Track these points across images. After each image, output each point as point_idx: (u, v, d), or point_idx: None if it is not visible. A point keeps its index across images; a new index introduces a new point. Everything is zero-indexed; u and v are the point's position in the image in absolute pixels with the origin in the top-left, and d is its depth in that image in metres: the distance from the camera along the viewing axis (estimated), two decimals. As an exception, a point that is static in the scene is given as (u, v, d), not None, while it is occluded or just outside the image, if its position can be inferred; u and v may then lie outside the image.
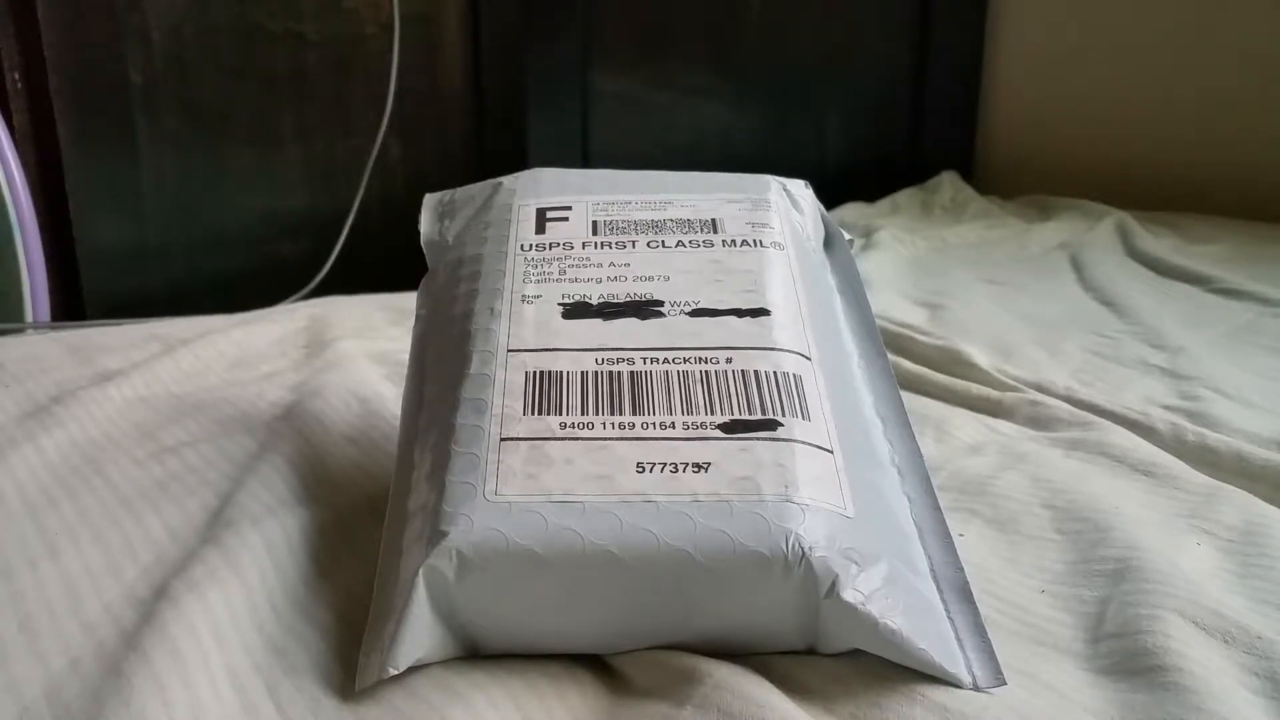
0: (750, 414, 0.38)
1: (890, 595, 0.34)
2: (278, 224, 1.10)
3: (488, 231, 0.46)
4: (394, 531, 0.38)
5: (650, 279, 0.43)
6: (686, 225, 0.46)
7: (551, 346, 0.40)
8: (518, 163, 1.15)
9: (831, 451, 0.37)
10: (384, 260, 1.13)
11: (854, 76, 1.36)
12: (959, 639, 0.36)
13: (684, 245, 0.45)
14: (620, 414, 0.38)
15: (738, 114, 1.29)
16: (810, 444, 0.37)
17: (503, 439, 0.37)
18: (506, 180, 0.50)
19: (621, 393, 0.38)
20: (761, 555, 0.34)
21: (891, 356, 0.68)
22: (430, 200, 0.51)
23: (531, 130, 1.16)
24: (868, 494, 0.37)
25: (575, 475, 0.36)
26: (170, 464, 0.51)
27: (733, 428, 0.37)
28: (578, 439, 0.37)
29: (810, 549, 0.34)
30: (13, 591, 0.40)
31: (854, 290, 0.48)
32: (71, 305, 1.00)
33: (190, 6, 1.00)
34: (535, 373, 0.39)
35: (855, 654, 0.35)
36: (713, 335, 0.41)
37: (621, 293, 0.43)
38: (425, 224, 0.50)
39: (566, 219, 0.46)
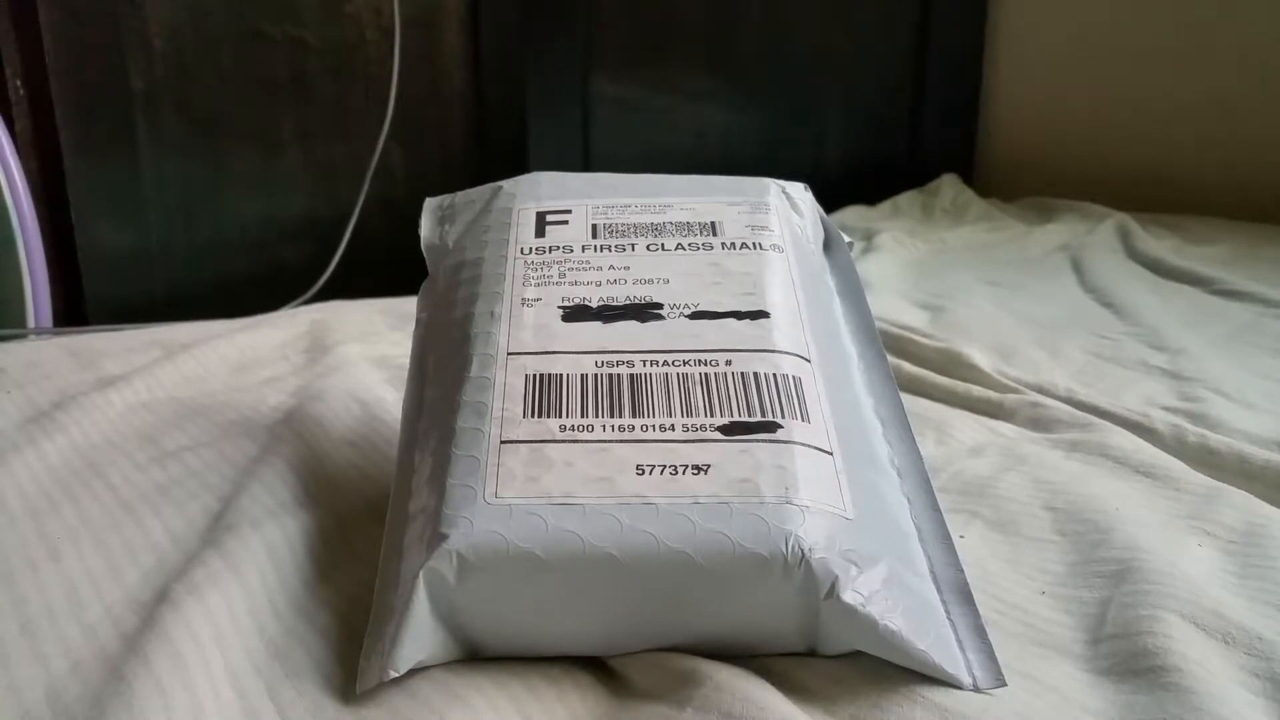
0: (750, 416, 0.38)
1: (890, 596, 0.34)
2: (279, 229, 1.10)
3: (487, 235, 0.47)
4: (394, 534, 0.38)
5: (650, 282, 0.43)
6: (686, 228, 0.46)
7: (551, 349, 0.40)
8: (518, 166, 1.15)
9: (831, 453, 0.37)
10: (385, 265, 1.13)
11: (854, 79, 1.36)
12: (959, 640, 0.36)
13: (683, 248, 0.45)
14: (620, 416, 0.38)
15: (738, 117, 1.29)
16: (810, 446, 0.37)
17: (503, 442, 0.37)
18: (506, 184, 0.50)
19: (621, 395, 0.38)
20: (761, 557, 0.34)
21: (892, 359, 0.68)
22: (430, 204, 0.51)
23: (532, 134, 1.16)
24: (867, 495, 0.37)
25: (575, 478, 0.36)
26: (171, 468, 0.51)
27: (732, 430, 0.37)
28: (578, 441, 0.37)
29: (810, 550, 0.34)
30: (14, 595, 0.40)
31: (853, 292, 0.48)
32: (73, 310, 1.01)
33: (191, 12, 1.00)
34: (535, 375, 0.39)
35: (855, 655, 0.35)
36: (712, 337, 0.41)
37: (621, 295, 0.43)
38: (425, 228, 0.50)
39: (566, 222, 0.46)
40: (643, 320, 0.41)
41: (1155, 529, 0.44)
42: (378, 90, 1.10)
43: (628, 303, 0.42)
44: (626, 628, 0.35)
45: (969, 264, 1.00)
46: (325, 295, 0.95)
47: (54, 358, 0.68)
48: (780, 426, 0.37)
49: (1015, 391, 0.62)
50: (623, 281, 0.43)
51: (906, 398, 0.62)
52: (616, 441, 0.37)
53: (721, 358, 0.40)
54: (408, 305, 0.82)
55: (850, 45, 1.34)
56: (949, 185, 1.34)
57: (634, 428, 0.37)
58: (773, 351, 0.40)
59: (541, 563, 0.34)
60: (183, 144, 1.03)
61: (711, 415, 0.38)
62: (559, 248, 0.45)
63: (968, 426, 0.58)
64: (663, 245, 0.45)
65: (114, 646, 0.36)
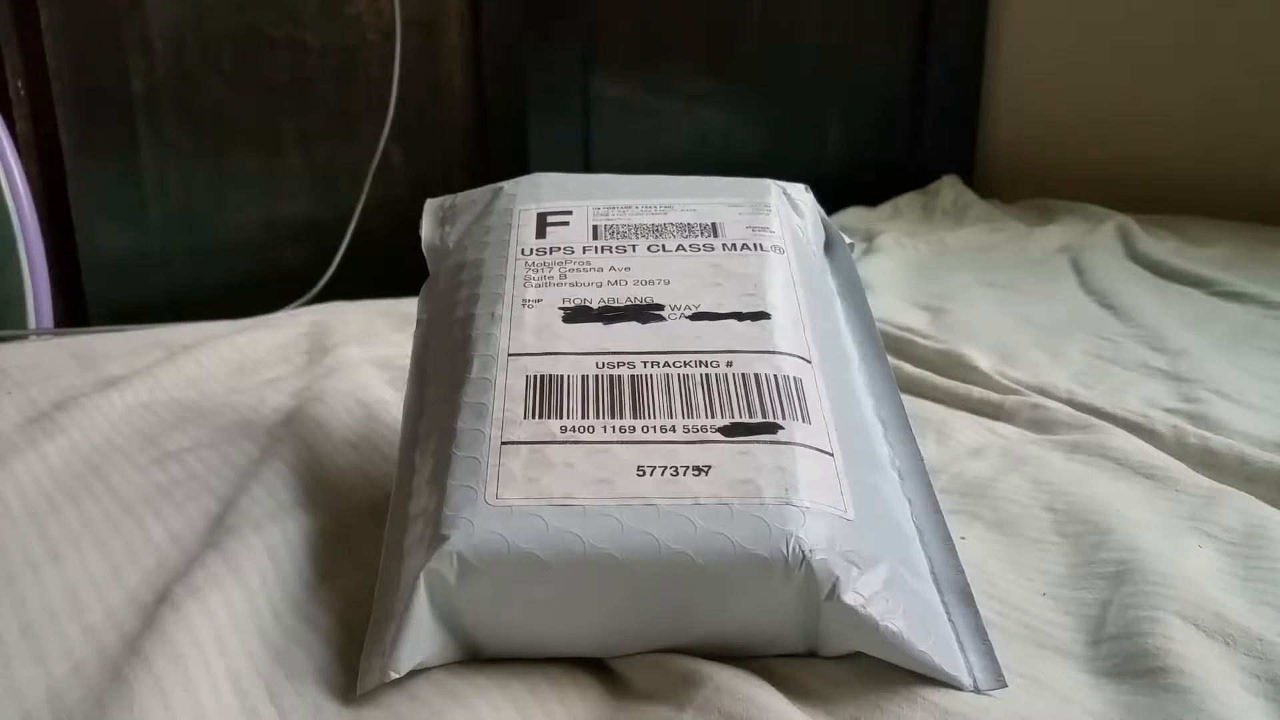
0: (750, 417, 0.38)
1: (891, 598, 0.34)
2: (280, 230, 1.10)
3: (488, 236, 0.47)
4: (395, 535, 0.38)
5: (651, 283, 0.43)
6: (687, 229, 0.46)
7: (552, 350, 0.40)
8: (519, 168, 1.15)
9: (832, 454, 0.37)
10: (386, 266, 1.13)
11: (855, 81, 1.36)
12: (960, 641, 0.36)
13: (684, 249, 0.45)
14: (621, 417, 0.38)
15: (738, 119, 1.29)
16: (810, 447, 0.37)
17: (503, 443, 0.37)
18: (507, 185, 0.50)
19: (622, 396, 0.38)
20: (762, 558, 0.34)
21: (893, 360, 0.68)
22: (431, 205, 0.51)
23: (533, 136, 1.16)
24: (868, 497, 0.37)
25: (576, 479, 0.36)
26: (172, 469, 0.51)
27: (733, 431, 0.37)
28: (578, 442, 0.37)
29: (810, 551, 0.34)
30: (15, 596, 0.40)
31: (854, 293, 0.48)
32: (74, 312, 1.01)
33: (192, 14, 1.00)
34: (536, 377, 0.39)
35: (856, 656, 0.35)
36: (713, 339, 0.41)
37: (622, 297, 0.43)
38: (426, 229, 0.50)
39: (567, 223, 0.47)
40: (643, 321, 0.41)
41: (1156, 530, 0.44)
42: (378, 92, 1.10)
43: (628, 304, 0.42)
44: (627, 629, 0.35)
45: (969, 265, 1.00)
46: (326, 296, 0.95)
47: (55, 359, 0.68)
48: (781, 428, 0.37)
49: (1016, 393, 0.62)
50: (623, 283, 0.43)
51: (907, 399, 0.62)
52: (617, 443, 0.37)
53: (722, 359, 0.40)
54: (408, 306, 0.82)
55: (851, 46, 1.34)
56: (949, 186, 1.34)
57: (634, 429, 0.37)
58: (773, 353, 0.40)
59: (542, 564, 0.34)
60: (183, 145, 1.03)
61: (712, 416, 0.38)
62: (560, 249, 0.45)
63: (968, 428, 0.58)
64: (663, 246, 0.45)
65: (115, 648, 0.36)
